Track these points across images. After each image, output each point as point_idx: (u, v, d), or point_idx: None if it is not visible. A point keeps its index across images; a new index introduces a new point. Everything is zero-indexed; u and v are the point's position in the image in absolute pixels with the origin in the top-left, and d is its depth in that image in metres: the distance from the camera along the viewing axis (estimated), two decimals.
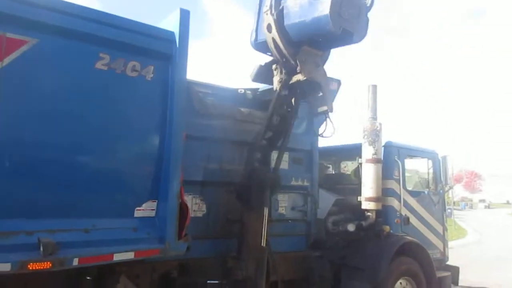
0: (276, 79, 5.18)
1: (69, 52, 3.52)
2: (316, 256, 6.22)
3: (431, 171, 7.88)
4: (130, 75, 3.82)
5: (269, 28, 4.76)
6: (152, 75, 3.98)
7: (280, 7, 4.74)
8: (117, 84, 3.78)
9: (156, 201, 4.04)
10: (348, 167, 8.96)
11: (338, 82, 6.71)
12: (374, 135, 6.71)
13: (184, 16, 4.12)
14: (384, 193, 6.80)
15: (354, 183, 7.35)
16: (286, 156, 6.02)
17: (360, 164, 6.89)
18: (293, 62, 4.82)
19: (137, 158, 4.00)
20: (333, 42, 4.91)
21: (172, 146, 4.03)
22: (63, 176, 3.49)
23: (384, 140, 6.93)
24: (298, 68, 4.82)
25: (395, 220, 6.91)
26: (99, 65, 3.64)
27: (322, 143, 6.66)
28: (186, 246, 4.15)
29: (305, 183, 6.21)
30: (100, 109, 3.69)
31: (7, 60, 3.19)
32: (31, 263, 3.14)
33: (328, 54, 5.27)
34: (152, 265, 4.53)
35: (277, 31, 4.68)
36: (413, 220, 7.19)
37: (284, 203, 6.03)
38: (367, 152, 6.72)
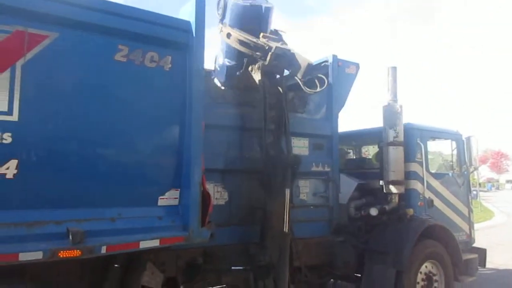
0: (255, 72, 5.36)
1: (88, 45, 3.58)
2: (339, 241, 6.21)
3: (455, 152, 7.73)
4: (148, 66, 3.87)
5: (228, 35, 5.35)
6: (170, 65, 4.01)
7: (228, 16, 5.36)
8: (136, 75, 3.83)
9: (179, 189, 4.10)
10: (369, 151, 8.89)
11: (357, 66, 6.64)
12: (395, 117, 6.62)
13: (200, 4, 4.13)
14: (406, 176, 6.72)
15: (375, 167, 7.28)
16: (306, 142, 6.02)
17: (382, 147, 6.82)
18: (262, 44, 5.18)
19: (159, 148, 4.06)
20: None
21: (192, 135, 4.07)
22: (88, 167, 3.57)
23: (405, 122, 6.82)
24: (267, 46, 5.15)
25: (419, 203, 6.83)
26: (118, 57, 3.70)
27: (342, 128, 6.62)
28: (210, 234, 4.20)
29: (326, 169, 6.18)
30: (121, 101, 3.76)
31: (29, 55, 3.27)
32: (62, 251, 3.25)
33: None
34: (177, 252, 4.61)
35: (239, 32, 5.26)
36: (437, 202, 7.09)
37: (305, 189, 6.03)
38: (388, 135, 6.63)
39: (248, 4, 5.15)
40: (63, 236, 3.31)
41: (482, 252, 7.60)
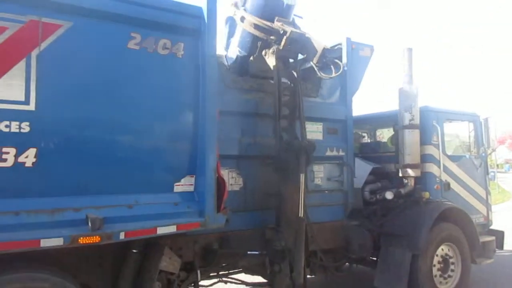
0: (269, 56, 5.27)
1: (101, 33, 3.58)
2: (355, 225, 6.22)
3: (472, 134, 7.60)
4: (161, 53, 3.87)
5: (242, 19, 5.29)
6: (182, 52, 4.00)
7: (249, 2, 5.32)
8: (150, 62, 3.83)
9: (194, 176, 4.13)
10: (383, 134, 8.80)
11: (371, 48, 6.54)
12: (411, 100, 6.52)
13: None
14: (422, 159, 6.64)
15: (390, 151, 7.22)
16: (320, 127, 5.99)
17: (397, 131, 6.75)
18: (277, 28, 5.09)
19: (173, 134, 4.08)
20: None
21: (207, 121, 4.08)
22: (105, 155, 3.62)
23: (420, 104, 6.72)
24: (282, 31, 5.07)
25: (435, 186, 6.76)
26: (131, 44, 3.70)
27: (356, 112, 6.56)
28: (225, 219, 4.24)
29: (341, 153, 6.15)
30: (135, 89, 3.77)
31: (44, 45, 3.30)
32: (82, 238, 3.31)
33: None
34: (194, 238, 4.68)
35: (253, 16, 5.20)
36: (454, 185, 7.02)
37: (320, 173, 6.02)
38: (404, 118, 6.55)
39: None
40: (83, 223, 3.37)
41: (499, 234, 7.52)
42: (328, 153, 6.03)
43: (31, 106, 3.25)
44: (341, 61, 5.46)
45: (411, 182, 6.51)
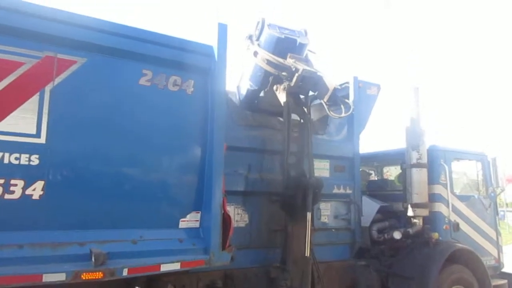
0: (280, 92, 5.31)
1: (114, 69, 3.68)
2: (362, 265, 6.08)
3: (480, 173, 7.53)
4: (171, 89, 3.95)
5: (255, 53, 5.30)
6: (192, 89, 4.08)
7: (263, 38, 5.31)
8: (160, 98, 3.90)
9: (200, 212, 4.11)
10: (390, 172, 8.75)
11: (378, 87, 6.61)
12: (418, 139, 6.52)
13: (222, 30, 4.21)
14: (431, 198, 6.57)
15: (398, 189, 7.15)
16: (327, 164, 5.97)
17: (405, 169, 6.70)
18: (289, 64, 5.10)
19: (181, 170, 4.08)
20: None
21: (214, 157, 4.09)
22: (112, 189, 3.63)
23: (428, 143, 6.71)
24: (294, 68, 5.06)
25: (444, 226, 6.65)
26: (142, 81, 3.79)
27: (363, 149, 6.55)
28: (230, 257, 4.17)
29: (348, 191, 6.10)
30: (145, 124, 3.82)
31: (58, 80, 3.39)
32: (84, 273, 3.26)
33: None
34: (197, 275, 4.58)
35: (265, 51, 5.21)
36: (463, 225, 6.89)
37: (327, 211, 5.95)
38: (411, 157, 6.52)
39: (283, 37, 5.11)
40: (86, 258, 3.34)
41: None
42: (335, 190, 5.97)
43: (42, 139, 3.30)
44: (348, 99, 5.49)
45: (420, 222, 6.41)
